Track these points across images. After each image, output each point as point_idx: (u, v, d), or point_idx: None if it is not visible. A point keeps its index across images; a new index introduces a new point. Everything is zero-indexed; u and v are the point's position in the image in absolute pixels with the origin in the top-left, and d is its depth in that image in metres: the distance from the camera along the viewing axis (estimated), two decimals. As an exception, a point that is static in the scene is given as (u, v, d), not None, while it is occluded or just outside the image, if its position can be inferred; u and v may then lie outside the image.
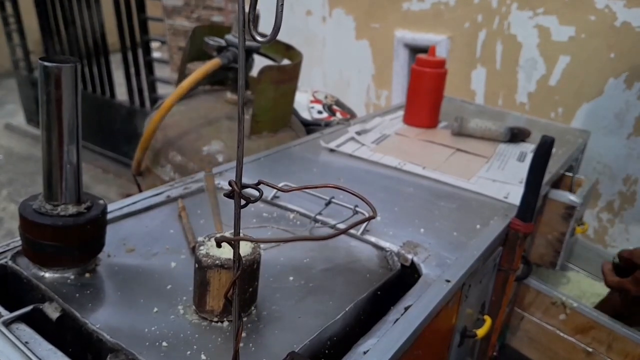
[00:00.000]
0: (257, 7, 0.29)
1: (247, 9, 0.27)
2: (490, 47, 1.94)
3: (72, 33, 3.48)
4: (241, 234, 0.33)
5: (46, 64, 0.49)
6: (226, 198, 0.78)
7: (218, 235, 0.35)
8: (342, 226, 0.75)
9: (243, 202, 0.30)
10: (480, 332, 0.79)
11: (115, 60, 3.40)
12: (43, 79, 0.49)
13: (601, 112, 1.72)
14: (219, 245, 0.31)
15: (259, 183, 0.31)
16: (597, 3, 1.66)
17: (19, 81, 4.15)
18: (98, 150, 3.56)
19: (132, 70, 3.22)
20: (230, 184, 0.29)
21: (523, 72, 1.89)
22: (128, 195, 0.79)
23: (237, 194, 0.29)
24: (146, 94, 3.29)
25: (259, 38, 0.26)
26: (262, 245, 0.66)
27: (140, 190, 1.20)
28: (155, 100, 3.24)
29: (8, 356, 0.44)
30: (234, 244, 0.31)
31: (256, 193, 0.32)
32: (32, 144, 3.93)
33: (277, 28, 0.26)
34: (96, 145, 3.55)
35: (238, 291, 0.34)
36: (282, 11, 0.26)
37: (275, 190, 0.81)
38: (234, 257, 0.31)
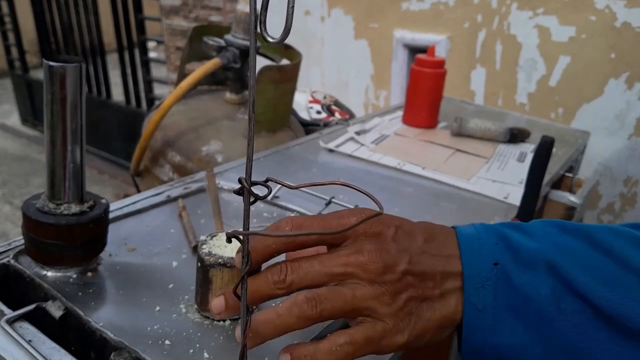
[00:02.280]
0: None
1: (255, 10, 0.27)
2: (490, 47, 1.95)
3: (68, 32, 3.47)
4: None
5: (51, 63, 0.48)
6: (226, 198, 0.78)
7: (229, 230, 0.35)
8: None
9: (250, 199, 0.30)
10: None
11: (112, 60, 3.40)
12: (48, 78, 0.49)
13: (601, 113, 1.72)
14: (229, 241, 0.31)
15: (267, 180, 0.31)
16: (597, 3, 1.66)
17: (14, 81, 4.13)
18: (93, 150, 3.55)
19: (129, 70, 3.22)
20: (240, 181, 0.29)
21: (523, 72, 1.89)
22: (126, 196, 0.79)
23: (247, 190, 0.29)
24: (142, 94, 3.29)
25: (269, 39, 0.27)
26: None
27: (139, 191, 1.20)
28: (151, 100, 3.24)
29: (12, 354, 0.44)
30: (244, 239, 0.31)
31: (263, 192, 0.32)
32: (27, 145, 3.92)
33: (287, 29, 0.26)
34: (91, 146, 3.55)
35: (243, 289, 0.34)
36: (292, 13, 0.26)
37: (275, 190, 0.81)
38: (243, 252, 0.31)
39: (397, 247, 0.40)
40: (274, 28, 0.27)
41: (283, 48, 1.28)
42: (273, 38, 0.27)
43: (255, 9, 0.26)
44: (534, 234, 0.41)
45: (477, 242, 0.41)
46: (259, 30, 0.27)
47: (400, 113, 1.31)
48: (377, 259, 0.39)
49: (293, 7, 0.26)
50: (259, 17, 0.26)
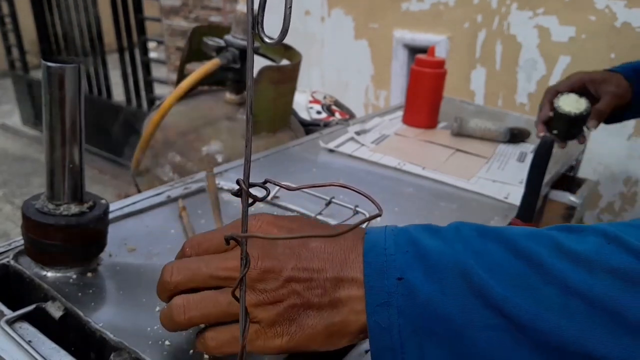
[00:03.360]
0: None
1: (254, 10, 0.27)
2: (490, 47, 1.95)
3: (68, 33, 3.47)
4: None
5: (49, 64, 0.48)
6: (226, 198, 0.78)
7: (228, 232, 0.35)
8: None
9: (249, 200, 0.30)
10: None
11: (112, 61, 3.40)
12: (46, 79, 0.49)
13: (600, 113, 1.72)
14: (227, 243, 0.31)
15: (265, 182, 0.31)
16: (597, 3, 1.66)
17: (14, 81, 4.14)
18: (94, 151, 3.55)
19: (129, 70, 3.22)
20: (238, 182, 0.29)
21: (523, 72, 1.89)
22: (127, 196, 0.79)
23: (244, 192, 0.29)
24: (143, 94, 3.29)
25: (267, 40, 0.26)
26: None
27: (139, 191, 1.20)
28: (152, 100, 3.24)
29: (12, 355, 0.44)
30: (242, 241, 0.31)
31: (261, 193, 0.32)
32: (28, 145, 3.92)
33: (285, 30, 0.26)
34: (92, 146, 3.55)
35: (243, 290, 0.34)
36: (290, 14, 0.26)
37: (275, 191, 0.81)
38: (241, 254, 0.31)
39: (284, 251, 0.39)
40: (273, 28, 0.27)
41: (283, 48, 1.28)
42: (271, 38, 0.27)
43: (252, 9, 0.26)
44: (448, 238, 0.38)
45: (382, 254, 0.38)
46: (256, 31, 0.27)
47: (400, 113, 1.31)
48: (260, 264, 0.38)
49: (290, 7, 0.26)
50: (257, 18, 0.26)
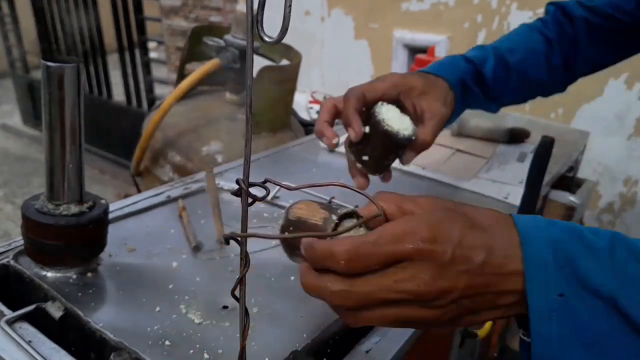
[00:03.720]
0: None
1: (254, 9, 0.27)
2: (489, 47, 1.94)
3: (68, 33, 3.47)
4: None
5: (49, 64, 0.49)
6: (226, 198, 0.78)
7: (227, 232, 0.35)
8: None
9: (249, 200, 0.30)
10: (482, 332, 0.79)
11: (112, 61, 3.39)
12: (46, 79, 0.49)
13: (601, 113, 1.72)
14: (227, 243, 0.31)
15: (265, 181, 0.31)
16: (596, 4, 1.66)
17: (15, 82, 4.14)
18: (94, 151, 3.55)
19: (129, 70, 3.21)
20: (237, 182, 0.29)
21: (522, 72, 1.89)
22: (126, 196, 0.79)
23: (244, 192, 0.29)
24: (143, 94, 3.29)
25: (266, 39, 0.27)
26: (263, 246, 0.66)
27: (139, 191, 1.20)
28: (152, 100, 3.24)
29: (12, 355, 0.44)
30: (241, 240, 0.31)
31: (261, 192, 0.32)
32: (28, 145, 3.93)
33: (284, 29, 0.26)
34: (92, 146, 3.55)
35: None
36: (289, 12, 0.26)
37: (275, 191, 0.81)
38: (241, 254, 0.31)
39: (453, 270, 0.39)
40: (273, 27, 0.27)
41: (283, 48, 1.28)
42: (270, 37, 0.27)
43: (252, 9, 0.26)
44: (602, 258, 0.39)
45: (543, 271, 0.38)
46: (256, 30, 0.27)
47: (400, 113, 1.30)
48: (432, 289, 0.39)
49: (290, 6, 0.26)
50: (256, 17, 0.26)
